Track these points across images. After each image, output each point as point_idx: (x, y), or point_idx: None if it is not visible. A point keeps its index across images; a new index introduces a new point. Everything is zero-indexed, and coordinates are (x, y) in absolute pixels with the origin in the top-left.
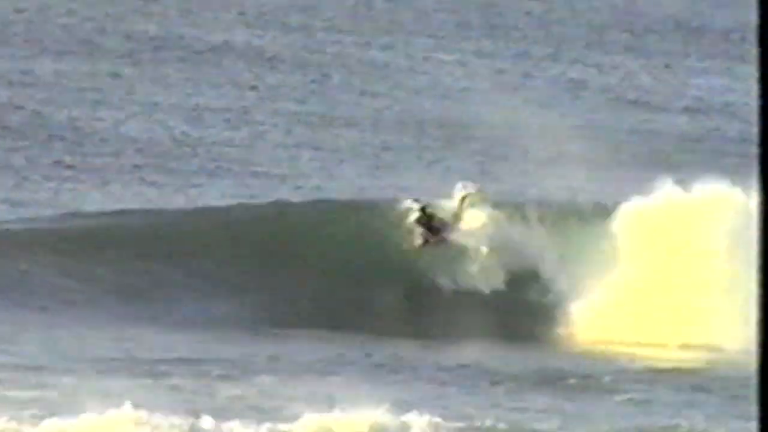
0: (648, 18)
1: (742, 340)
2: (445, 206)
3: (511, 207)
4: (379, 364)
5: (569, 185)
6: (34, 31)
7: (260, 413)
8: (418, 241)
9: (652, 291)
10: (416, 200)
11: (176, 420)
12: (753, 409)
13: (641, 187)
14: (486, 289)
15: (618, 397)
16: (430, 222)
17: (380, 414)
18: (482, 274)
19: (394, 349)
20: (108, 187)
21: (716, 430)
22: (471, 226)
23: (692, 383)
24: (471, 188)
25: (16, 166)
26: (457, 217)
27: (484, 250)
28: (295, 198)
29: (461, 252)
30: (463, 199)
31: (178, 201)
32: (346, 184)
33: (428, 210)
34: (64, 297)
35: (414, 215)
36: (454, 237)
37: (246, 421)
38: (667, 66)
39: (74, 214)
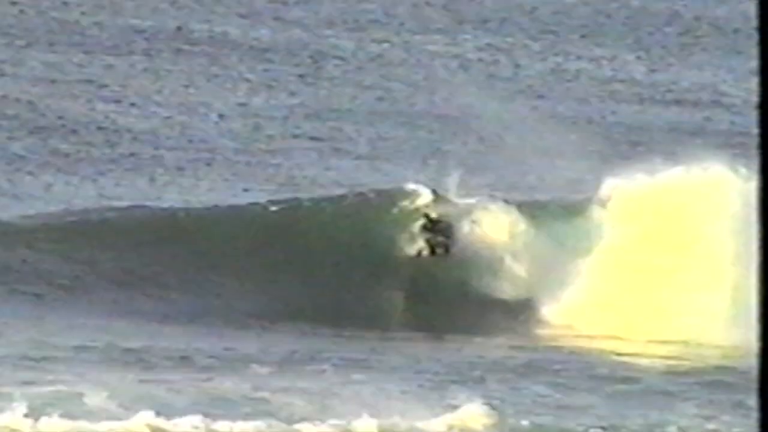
0: (642, 9)
1: (738, 334)
2: (451, 200)
3: (518, 208)
4: (367, 358)
5: (563, 176)
6: (28, 22)
7: (252, 407)
8: (423, 249)
9: (645, 282)
10: (433, 192)
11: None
12: (746, 403)
13: (627, 177)
14: (503, 296)
15: (608, 389)
16: (434, 228)
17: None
18: (504, 283)
19: (384, 343)
20: (103, 178)
21: (708, 425)
22: (497, 239)
23: (686, 376)
24: (483, 201)
25: (11, 157)
26: (467, 225)
27: (510, 261)
28: (291, 189)
29: (483, 262)
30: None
31: (172, 192)
32: (342, 175)
33: (432, 216)
34: (61, 284)
35: (418, 204)
36: (470, 248)
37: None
38: (661, 58)
39: (70, 208)
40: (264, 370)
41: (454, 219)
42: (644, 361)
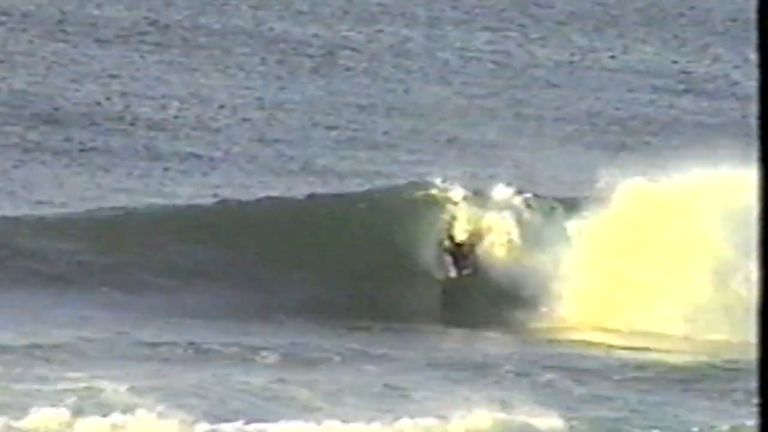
0: (656, 0)
1: (741, 330)
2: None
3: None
4: (376, 353)
5: (576, 167)
6: (42, 13)
7: (269, 401)
8: (449, 272)
9: (652, 279)
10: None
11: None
12: (747, 402)
13: (643, 170)
14: (515, 292)
15: (617, 380)
16: (459, 250)
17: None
18: (518, 280)
19: (398, 335)
20: (118, 168)
21: (713, 421)
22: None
23: (691, 370)
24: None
25: (25, 147)
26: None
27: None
28: (307, 179)
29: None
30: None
31: (189, 182)
32: (358, 166)
33: (457, 239)
34: (70, 274)
35: (450, 200)
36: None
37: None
38: (675, 48)
39: (88, 202)
40: (283, 367)
41: (478, 238)
42: (653, 356)
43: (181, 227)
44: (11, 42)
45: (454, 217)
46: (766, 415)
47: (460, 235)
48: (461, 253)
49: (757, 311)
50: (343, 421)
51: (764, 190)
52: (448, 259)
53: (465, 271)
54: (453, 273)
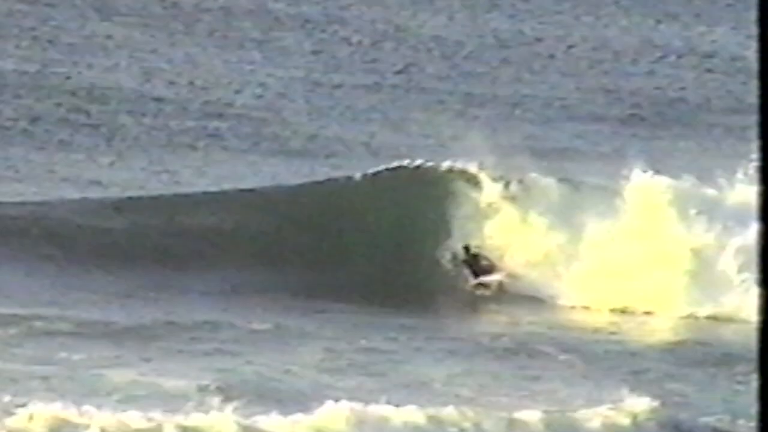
0: None
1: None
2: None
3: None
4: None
5: (584, 144)
6: None
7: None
8: (477, 289)
9: (647, 265)
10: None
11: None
12: (742, 380)
13: (648, 154)
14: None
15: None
16: (477, 262)
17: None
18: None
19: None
20: (121, 146)
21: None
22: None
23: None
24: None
25: (30, 120)
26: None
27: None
28: (312, 155)
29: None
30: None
31: (192, 159)
32: (360, 140)
33: (473, 250)
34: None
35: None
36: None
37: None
38: (681, 24)
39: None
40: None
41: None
42: (653, 338)
43: (189, 209)
44: (15, 17)
45: (475, 221)
46: (766, 416)
47: (479, 241)
48: (480, 266)
49: (758, 313)
50: (390, 403)
51: (764, 190)
52: (467, 271)
53: (484, 282)
54: (472, 283)
